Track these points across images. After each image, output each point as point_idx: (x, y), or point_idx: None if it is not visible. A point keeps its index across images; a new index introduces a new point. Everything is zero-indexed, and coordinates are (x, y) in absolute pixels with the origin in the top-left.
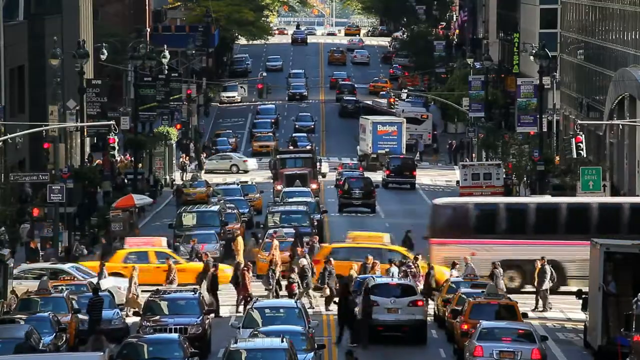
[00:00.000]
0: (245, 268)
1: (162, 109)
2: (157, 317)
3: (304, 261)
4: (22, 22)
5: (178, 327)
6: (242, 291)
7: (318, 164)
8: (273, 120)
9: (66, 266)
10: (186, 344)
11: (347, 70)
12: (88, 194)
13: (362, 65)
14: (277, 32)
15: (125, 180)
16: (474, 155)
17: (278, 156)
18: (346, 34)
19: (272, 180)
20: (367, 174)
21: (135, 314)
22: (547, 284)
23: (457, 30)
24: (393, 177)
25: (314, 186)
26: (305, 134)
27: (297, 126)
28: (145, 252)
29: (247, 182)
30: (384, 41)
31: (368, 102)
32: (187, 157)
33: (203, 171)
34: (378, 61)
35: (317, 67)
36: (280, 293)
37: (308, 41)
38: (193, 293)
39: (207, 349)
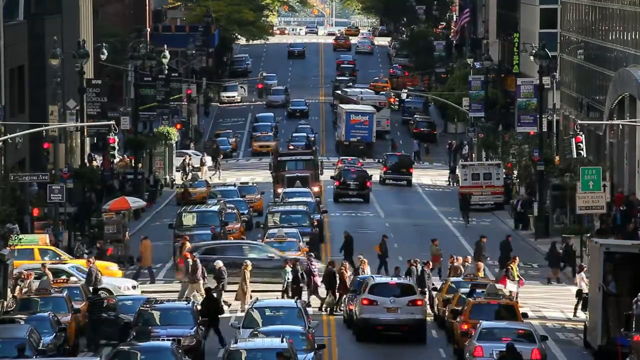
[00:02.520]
0: (343, 267)
1: (162, 109)
2: (149, 328)
3: (220, 263)
4: (22, 22)
5: (171, 338)
6: (342, 289)
7: (319, 165)
8: (272, 126)
9: (66, 266)
10: (180, 351)
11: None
12: (95, 191)
13: (366, 55)
14: (278, 32)
15: (121, 179)
16: (474, 154)
17: (278, 158)
18: (346, 34)
19: (272, 182)
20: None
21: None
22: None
23: (457, 34)
24: (390, 174)
25: (316, 189)
26: (305, 134)
27: (291, 147)
28: None
29: (247, 183)
30: (384, 41)
31: (338, 91)
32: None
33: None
34: (378, 61)
35: (317, 66)
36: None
37: (309, 40)
38: (186, 302)
39: None
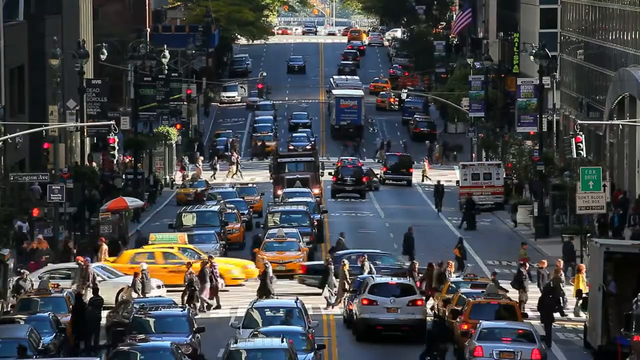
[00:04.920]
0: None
1: (162, 109)
2: (144, 336)
3: (144, 265)
4: (22, 22)
5: None
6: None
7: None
8: (272, 127)
9: (91, 266)
10: (179, 351)
11: (364, 52)
12: (98, 189)
13: (378, 47)
14: (280, 32)
15: (125, 178)
16: (473, 155)
17: (278, 160)
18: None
19: (272, 181)
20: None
21: None
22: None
23: (457, 32)
24: (390, 174)
25: (316, 191)
26: (304, 134)
27: (291, 147)
28: None
29: (247, 184)
30: (384, 41)
31: (330, 79)
32: (235, 156)
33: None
34: (378, 61)
35: (317, 66)
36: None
37: (308, 41)
38: (182, 309)
39: None
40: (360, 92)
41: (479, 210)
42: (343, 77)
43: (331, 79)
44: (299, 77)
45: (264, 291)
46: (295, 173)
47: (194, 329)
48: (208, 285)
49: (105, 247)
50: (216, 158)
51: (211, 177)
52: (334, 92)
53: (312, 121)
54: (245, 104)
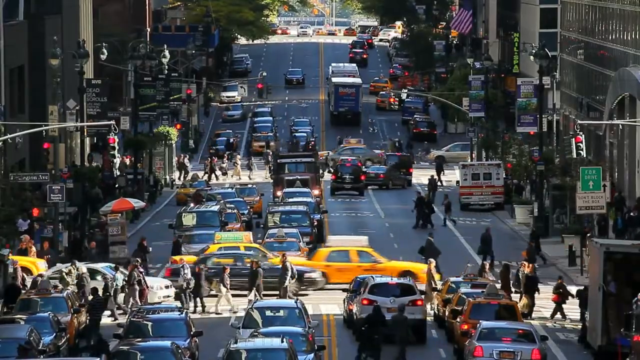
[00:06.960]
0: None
1: (162, 109)
2: (141, 340)
3: (83, 268)
4: (22, 22)
5: None
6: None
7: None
8: (272, 127)
9: (100, 266)
10: (180, 351)
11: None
12: (101, 188)
13: (383, 42)
14: (280, 31)
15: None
16: (475, 157)
17: (278, 160)
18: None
19: (272, 182)
20: None
21: None
22: (287, 281)
23: (457, 27)
24: None
25: (316, 192)
26: (304, 134)
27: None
28: None
29: (247, 184)
30: (384, 41)
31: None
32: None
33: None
34: (378, 61)
35: (317, 66)
36: None
37: (309, 41)
38: (179, 313)
39: None
40: (358, 80)
41: (432, 209)
42: (340, 64)
43: (330, 67)
44: (298, 90)
45: (197, 292)
46: (295, 174)
47: (191, 332)
48: (137, 288)
49: (34, 249)
50: (252, 158)
51: (249, 176)
52: (333, 79)
53: (312, 121)
54: (222, 117)
